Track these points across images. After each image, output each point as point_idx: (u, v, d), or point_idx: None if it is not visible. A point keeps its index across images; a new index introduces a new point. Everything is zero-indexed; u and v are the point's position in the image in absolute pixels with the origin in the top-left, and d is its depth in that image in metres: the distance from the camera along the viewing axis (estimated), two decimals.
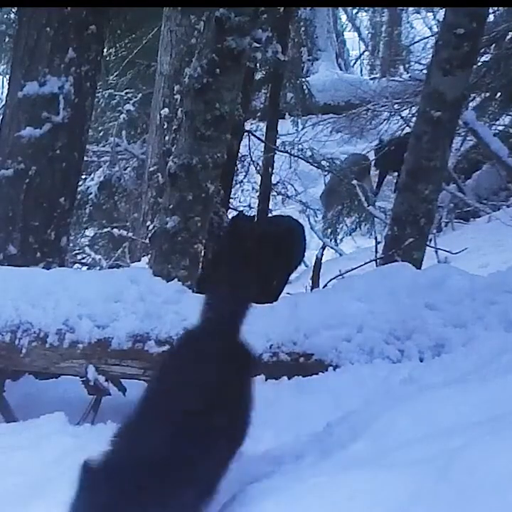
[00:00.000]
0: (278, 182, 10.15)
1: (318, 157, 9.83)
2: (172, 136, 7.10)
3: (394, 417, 2.13)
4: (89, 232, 10.12)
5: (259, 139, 9.11)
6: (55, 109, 4.08)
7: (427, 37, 12.89)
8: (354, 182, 9.21)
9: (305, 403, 2.77)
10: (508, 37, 9.73)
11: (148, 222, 7.11)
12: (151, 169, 7.38)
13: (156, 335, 3.24)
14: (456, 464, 1.61)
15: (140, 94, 9.65)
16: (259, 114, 10.54)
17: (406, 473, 1.69)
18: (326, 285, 4.86)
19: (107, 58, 9.33)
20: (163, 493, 1.75)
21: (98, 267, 7.53)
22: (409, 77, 11.47)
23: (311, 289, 5.11)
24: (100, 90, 9.01)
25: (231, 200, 9.20)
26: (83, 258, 8.51)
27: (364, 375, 2.91)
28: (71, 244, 7.31)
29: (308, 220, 9.38)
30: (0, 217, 4.09)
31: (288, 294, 5.08)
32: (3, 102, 4.86)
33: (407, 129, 9.72)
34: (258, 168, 9.49)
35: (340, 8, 18.85)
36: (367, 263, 4.89)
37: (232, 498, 2.05)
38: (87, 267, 8.03)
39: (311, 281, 5.42)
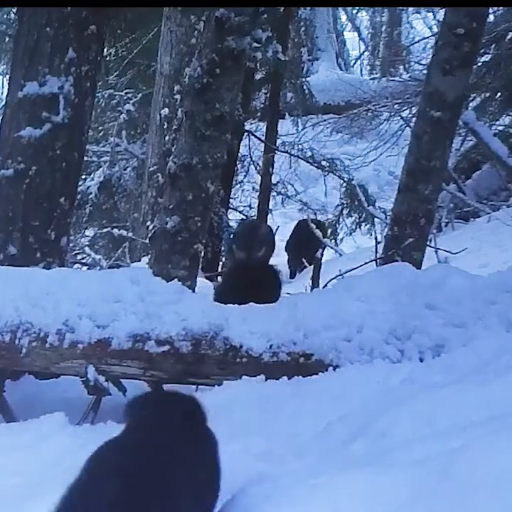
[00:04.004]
0: (278, 182, 10.17)
1: (318, 157, 9.84)
2: (172, 136, 7.12)
3: (394, 417, 2.13)
4: (89, 232, 10.13)
5: (259, 139, 9.13)
6: (55, 109, 4.07)
7: (427, 37, 12.89)
8: (354, 182, 9.22)
9: (305, 403, 2.77)
10: (508, 37, 9.73)
11: (148, 222, 7.13)
12: (151, 169, 7.39)
13: (156, 335, 3.24)
14: (456, 464, 1.61)
15: (140, 94, 9.66)
16: (259, 114, 10.55)
17: (406, 473, 1.69)
18: (326, 285, 4.86)
19: (107, 58, 9.33)
20: None
21: (98, 267, 7.52)
22: (409, 77, 11.48)
23: (311, 289, 5.11)
24: (100, 90, 9.01)
25: (231, 200, 9.23)
26: (83, 258, 8.50)
27: (364, 375, 2.91)
28: (71, 244, 7.31)
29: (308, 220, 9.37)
30: (0, 217, 4.09)
31: (288, 294, 5.08)
32: (3, 102, 4.86)
33: None
34: (258, 168, 9.50)
35: (340, 8, 18.85)
36: (367, 263, 4.88)
37: (232, 499, 2.05)
38: (87, 267, 8.03)
39: (311, 281, 5.42)
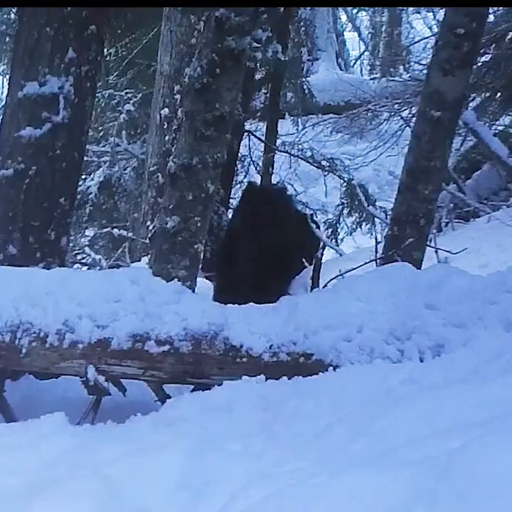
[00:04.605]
0: (278, 182, 10.16)
1: (318, 157, 9.84)
2: (172, 136, 7.12)
3: (394, 417, 2.13)
4: (89, 232, 10.13)
5: (259, 139, 9.12)
6: (55, 109, 4.07)
7: (427, 37, 12.90)
8: (354, 182, 9.22)
9: (305, 403, 2.77)
10: (508, 37, 9.73)
11: (148, 222, 7.12)
12: (151, 169, 7.39)
13: (156, 335, 3.24)
14: (456, 464, 1.61)
15: (140, 94, 9.66)
16: (259, 114, 10.53)
17: (406, 473, 1.69)
18: (326, 285, 4.86)
19: (107, 58, 9.33)
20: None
21: (98, 267, 7.53)
22: (409, 77, 11.49)
23: (311, 289, 5.10)
24: (100, 90, 9.02)
25: (231, 200, 9.22)
26: (83, 258, 8.51)
27: (364, 375, 2.91)
28: (71, 244, 7.31)
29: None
30: (0, 217, 4.09)
31: (288, 294, 5.07)
32: (3, 102, 4.86)
33: None
34: (258, 168, 9.50)
35: (340, 8, 18.86)
36: (367, 263, 4.88)
37: (232, 499, 2.05)
38: (87, 267, 8.04)
39: (311, 281, 5.41)
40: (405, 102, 10.63)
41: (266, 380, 3.10)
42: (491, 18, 9.25)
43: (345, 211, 9.94)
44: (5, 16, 10.48)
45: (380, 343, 3.14)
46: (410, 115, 9.99)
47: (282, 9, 8.37)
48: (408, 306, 3.22)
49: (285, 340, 3.20)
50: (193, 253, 3.57)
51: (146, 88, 9.28)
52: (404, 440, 1.95)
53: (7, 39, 10.19)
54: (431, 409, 2.07)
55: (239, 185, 9.92)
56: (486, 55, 9.80)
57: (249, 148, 9.23)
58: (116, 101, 9.96)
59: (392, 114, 11.16)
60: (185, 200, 3.52)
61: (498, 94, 10.02)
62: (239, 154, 8.94)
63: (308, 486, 1.81)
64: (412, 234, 4.08)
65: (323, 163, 9.79)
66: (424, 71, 6.39)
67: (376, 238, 5.60)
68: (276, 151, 9.27)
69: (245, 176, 9.91)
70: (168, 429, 2.78)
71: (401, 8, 16.92)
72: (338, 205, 10.05)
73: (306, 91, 11.27)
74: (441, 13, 7.59)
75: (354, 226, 9.99)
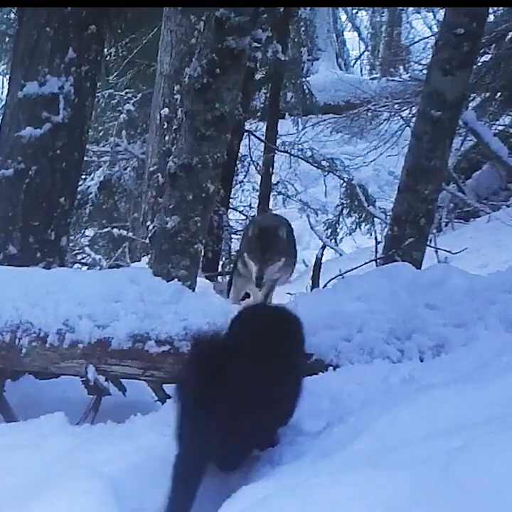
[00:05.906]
0: (278, 182, 10.17)
1: (318, 157, 9.84)
2: (172, 136, 7.12)
3: (394, 417, 2.13)
4: (89, 232, 10.12)
5: (259, 139, 9.12)
6: (55, 109, 4.08)
7: (427, 37, 12.88)
8: (354, 182, 9.22)
9: (305, 403, 2.77)
10: (508, 37, 9.73)
11: (148, 222, 7.13)
12: (151, 169, 7.39)
13: (156, 335, 3.24)
14: (456, 464, 1.61)
15: (140, 94, 9.66)
16: (259, 114, 10.53)
17: (406, 473, 1.69)
18: (326, 285, 4.86)
19: (107, 58, 9.33)
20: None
21: (98, 267, 7.53)
22: (409, 77, 11.49)
23: (311, 289, 5.11)
24: (100, 90, 9.01)
25: (231, 200, 9.23)
26: (83, 258, 8.51)
27: (364, 375, 2.91)
28: (71, 244, 7.31)
29: (308, 219, 9.38)
30: (0, 217, 4.09)
31: (288, 294, 5.08)
32: (3, 102, 4.86)
33: None
34: (258, 168, 9.50)
35: (340, 8, 18.85)
36: (367, 263, 4.89)
37: (231, 499, 2.05)
38: (87, 267, 8.04)
39: (311, 281, 5.42)
40: (405, 102, 10.63)
41: None
42: (491, 18, 9.25)
43: (345, 211, 9.92)
44: (5, 16, 10.47)
45: (380, 342, 3.14)
46: (410, 115, 9.99)
47: (282, 9, 8.37)
48: (408, 306, 3.22)
49: None
50: (193, 253, 3.57)
51: (146, 88, 9.28)
52: (404, 440, 1.95)
53: (7, 39, 10.18)
54: (431, 409, 2.06)
55: (239, 185, 9.94)
56: (486, 55, 9.80)
57: (249, 148, 9.23)
58: (116, 101, 9.95)
59: (392, 114, 11.15)
60: (185, 200, 3.52)
61: (498, 94, 10.02)
62: (239, 154, 8.94)
63: (308, 485, 1.81)
64: (412, 234, 4.08)
65: (323, 163, 9.79)
66: (424, 71, 6.39)
67: (376, 238, 5.60)
68: (276, 151, 9.27)
69: (245, 176, 9.92)
70: (168, 429, 2.78)
71: (401, 8, 16.91)
72: (338, 205, 10.04)
73: (306, 91, 11.26)
74: (441, 13, 7.59)
75: (354, 226, 9.97)
